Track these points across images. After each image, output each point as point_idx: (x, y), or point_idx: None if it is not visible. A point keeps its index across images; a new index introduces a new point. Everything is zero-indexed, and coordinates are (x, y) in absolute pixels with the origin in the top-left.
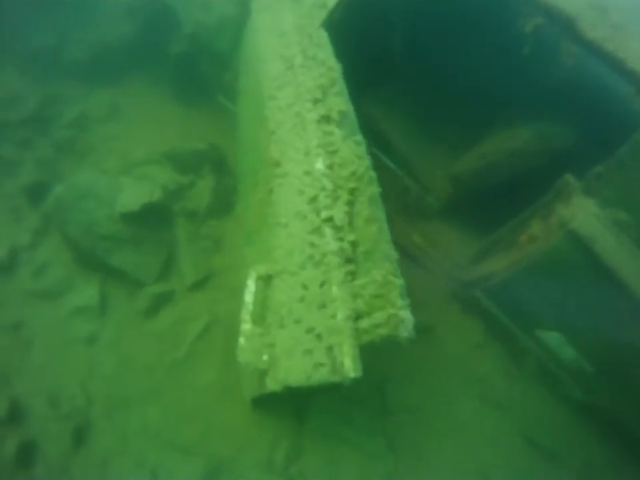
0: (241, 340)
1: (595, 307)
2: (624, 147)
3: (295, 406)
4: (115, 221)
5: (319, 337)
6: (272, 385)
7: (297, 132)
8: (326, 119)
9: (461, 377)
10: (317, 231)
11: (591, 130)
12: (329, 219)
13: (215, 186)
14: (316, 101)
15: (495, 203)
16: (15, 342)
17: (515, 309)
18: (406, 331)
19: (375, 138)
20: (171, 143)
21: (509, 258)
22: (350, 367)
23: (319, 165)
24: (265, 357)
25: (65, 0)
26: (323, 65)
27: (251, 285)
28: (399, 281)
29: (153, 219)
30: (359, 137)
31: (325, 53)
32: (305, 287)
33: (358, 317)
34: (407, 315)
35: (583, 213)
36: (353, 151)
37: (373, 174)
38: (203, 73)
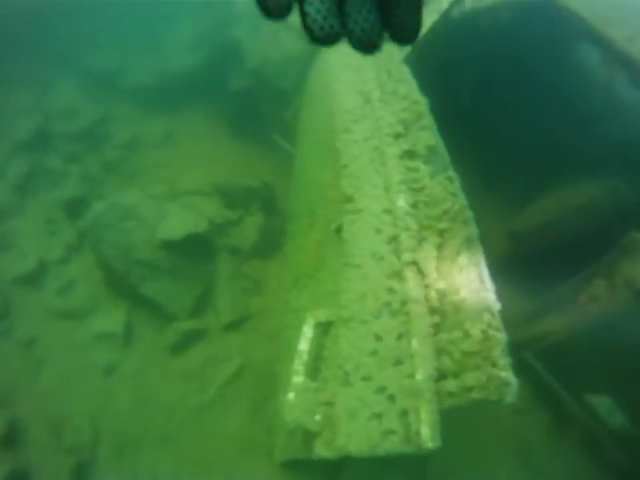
0: (290, 395)
1: None
2: None
3: (328, 466)
4: (154, 247)
5: (391, 398)
6: (324, 450)
7: (374, 167)
8: (409, 154)
9: (503, 442)
10: (396, 275)
11: None
12: (413, 263)
13: (263, 225)
14: (397, 136)
15: (553, 260)
16: (26, 359)
17: (567, 371)
18: (511, 396)
19: None
20: (221, 176)
21: (566, 318)
22: (427, 436)
23: (402, 202)
24: (318, 417)
25: (133, 26)
26: (405, 99)
27: (307, 332)
28: (502, 336)
29: (194, 251)
30: (451, 173)
31: (409, 87)
32: (378, 338)
33: (441, 376)
34: (511, 377)
35: None
36: (445, 188)
37: (469, 213)
38: (262, 110)
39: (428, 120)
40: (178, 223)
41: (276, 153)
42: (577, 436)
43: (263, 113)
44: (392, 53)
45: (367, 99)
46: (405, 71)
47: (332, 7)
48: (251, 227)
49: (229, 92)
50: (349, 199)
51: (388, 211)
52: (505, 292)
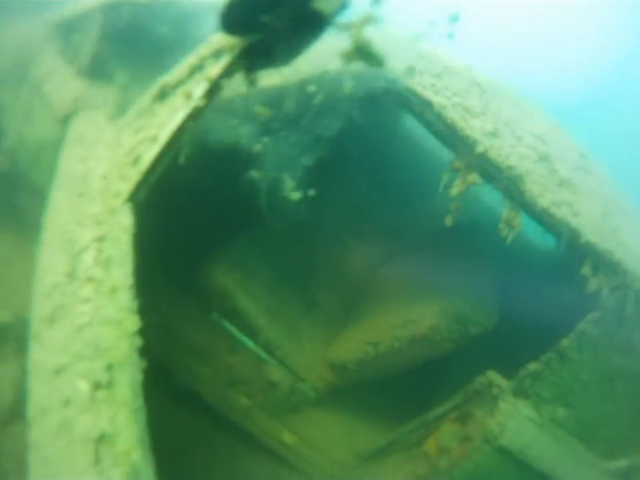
0: None
1: None
2: (566, 339)
3: None
4: None
5: None
6: None
7: None
8: None
9: None
10: None
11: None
12: None
13: (21, 376)
14: None
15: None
16: None
17: None
18: None
19: (230, 315)
20: None
21: (412, 468)
22: None
23: None
24: None
25: None
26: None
27: None
28: None
29: None
30: None
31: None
32: None
33: None
34: None
35: (514, 422)
36: None
37: None
38: (22, 206)
39: None
40: None
41: None
42: None
43: (22, 208)
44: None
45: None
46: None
47: None
48: (2, 382)
49: None
50: None
51: None
52: (333, 426)
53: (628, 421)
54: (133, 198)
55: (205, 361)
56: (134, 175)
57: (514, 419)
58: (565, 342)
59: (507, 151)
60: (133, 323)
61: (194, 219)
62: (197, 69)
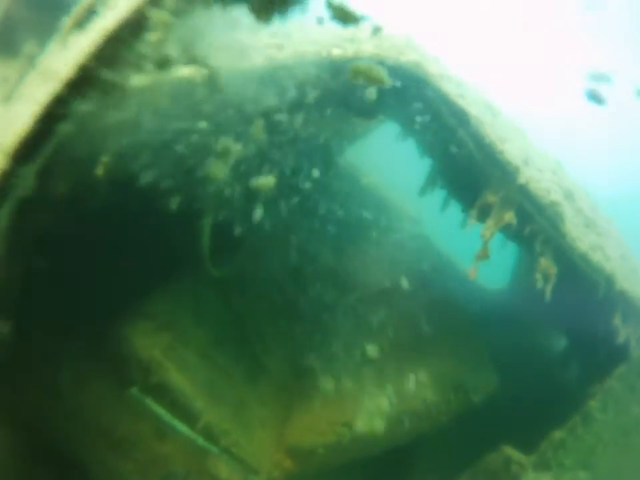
0: None
1: None
2: (592, 401)
3: None
4: None
5: None
6: None
7: None
8: None
9: None
10: None
11: None
12: None
13: None
14: None
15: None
16: None
17: None
18: None
19: (156, 392)
20: None
21: None
22: None
23: None
24: None
25: None
26: None
27: None
28: None
29: None
30: None
31: None
32: None
33: None
34: None
35: None
36: None
37: None
38: None
39: None
40: None
41: None
42: None
43: None
44: None
45: None
46: None
47: None
48: None
49: None
50: None
51: None
52: None
53: (638, 469)
54: None
55: (125, 451)
56: None
57: None
58: (591, 404)
59: (546, 184)
60: None
61: (105, 260)
62: None
